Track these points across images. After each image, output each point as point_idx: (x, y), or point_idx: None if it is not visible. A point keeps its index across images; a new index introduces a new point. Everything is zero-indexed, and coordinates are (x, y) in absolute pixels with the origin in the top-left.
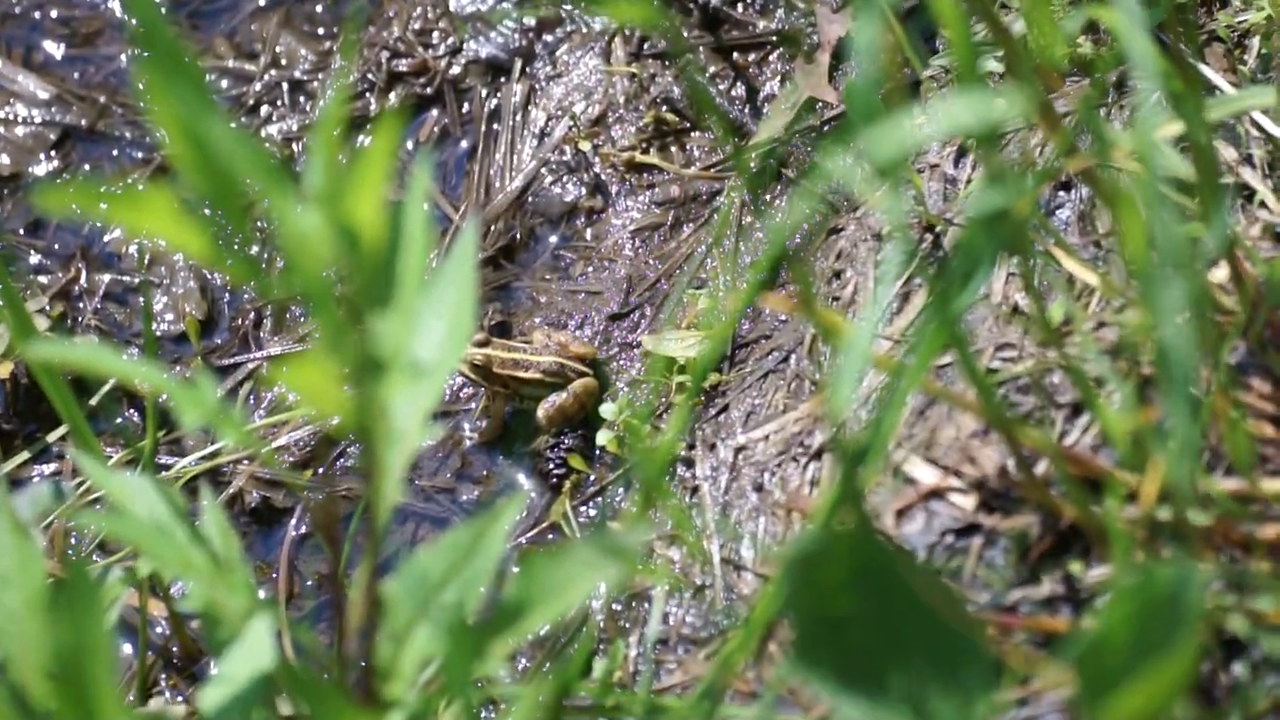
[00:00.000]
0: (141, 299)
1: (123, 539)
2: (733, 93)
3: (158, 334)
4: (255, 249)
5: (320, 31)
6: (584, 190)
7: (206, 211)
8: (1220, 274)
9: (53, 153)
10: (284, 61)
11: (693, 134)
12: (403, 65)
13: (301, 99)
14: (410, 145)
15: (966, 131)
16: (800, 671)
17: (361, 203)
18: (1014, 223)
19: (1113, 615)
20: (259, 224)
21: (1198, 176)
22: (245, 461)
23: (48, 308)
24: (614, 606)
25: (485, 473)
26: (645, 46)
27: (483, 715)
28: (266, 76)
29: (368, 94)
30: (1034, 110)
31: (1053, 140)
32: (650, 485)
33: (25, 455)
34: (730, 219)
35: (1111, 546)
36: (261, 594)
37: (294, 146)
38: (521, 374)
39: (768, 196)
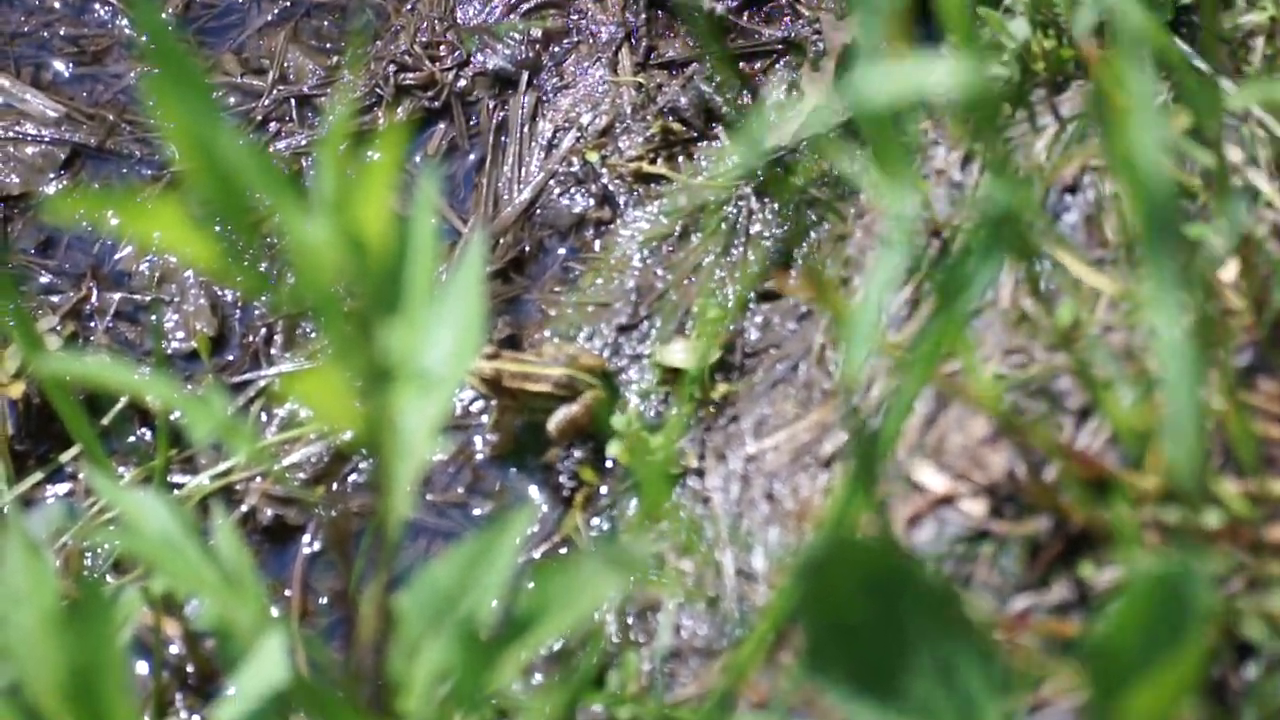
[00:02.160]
0: (152, 317)
1: (136, 556)
2: (739, 101)
3: (168, 352)
4: (265, 265)
5: (328, 46)
6: (592, 201)
7: (217, 228)
8: (1229, 274)
9: (62, 171)
10: (292, 77)
11: (700, 143)
12: (410, 78)
13: (309, 114)
14: (418, 158)
15: (960, 87)
16: (813, 678)
17: (368, 212)
18: (1018, 212)
19: (1121, 615)
20: (268, 239)
21: (1213, 169)
22: (257, 479)
23: (59, 327)
24: (627, 619)
25: (497, 487)
26: (652, 56)
27: None
28: (274, 92)
29: (375, 108)
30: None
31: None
32: (650, 485)
33: (38, 476)
34: (738, 227)
35: (1119, 547)
36: (275, 612)
37: (302, 161)
38: (532, 386)
39: (775, 205)
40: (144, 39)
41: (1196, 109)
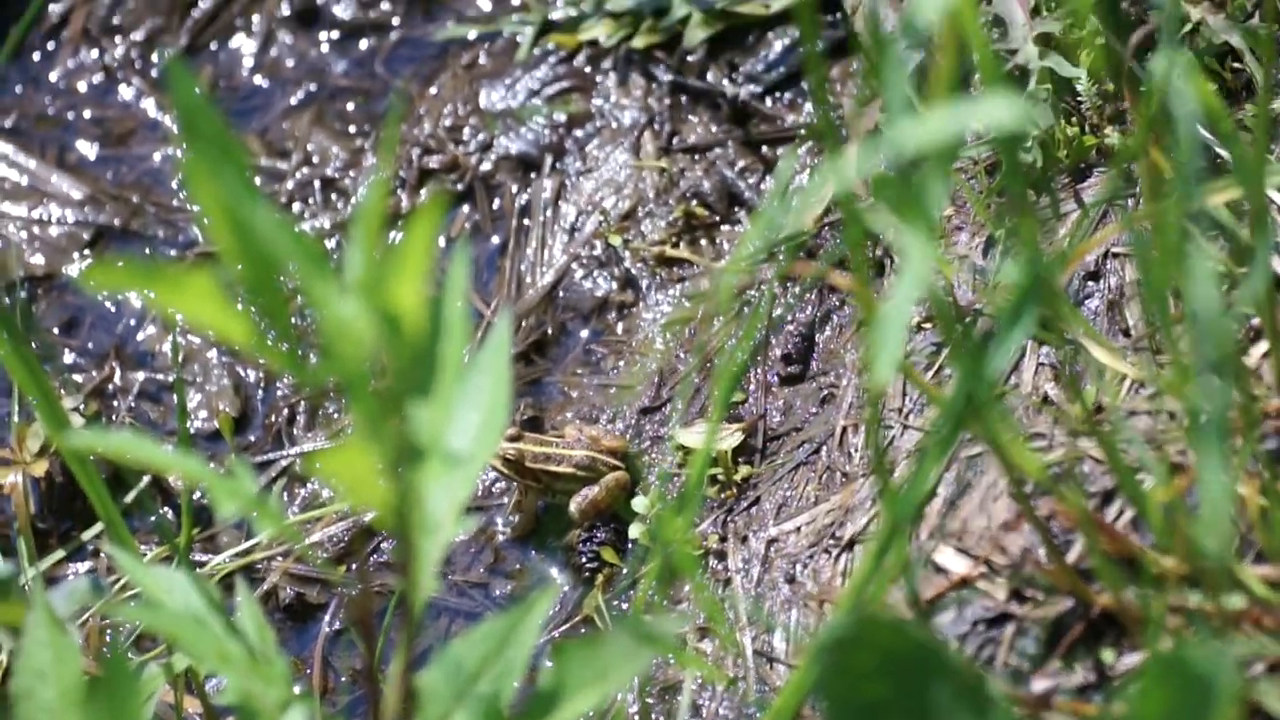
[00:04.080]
0: (175, 397)
1: (159, 632)
2: (762, 186)
3: (191, 431)
4: (293, 344)
5: (352, 129)
6: (615, 285)
7: (248, 305)
8: (1253, 358)
9: (86, 252)
10: (316, 159)
11: (722, 227)
12: (434, 162)
13: (333, 196)
14: (442, 241)
15: (997, 127)
16: None
17: (403, 290)
18: (1045, 286)
19: (1145, 698)
20: (298, 317)
21: (1251, 233)
22: (279, 558)
23: (82, 406)
24: (647, 699)
25: (518, 567)
26: (674, 141)
27: None
28: (299, 174)
29: (399, 190)
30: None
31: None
32: (670, 553)
33: (61, 553)
34: (760, 311)
35: (1145, 627)
36: (296, 689)
37: (327, 243)
38: (554, 468)
39: (799, 289)
40: (178, 114)
41: (1245, 185)
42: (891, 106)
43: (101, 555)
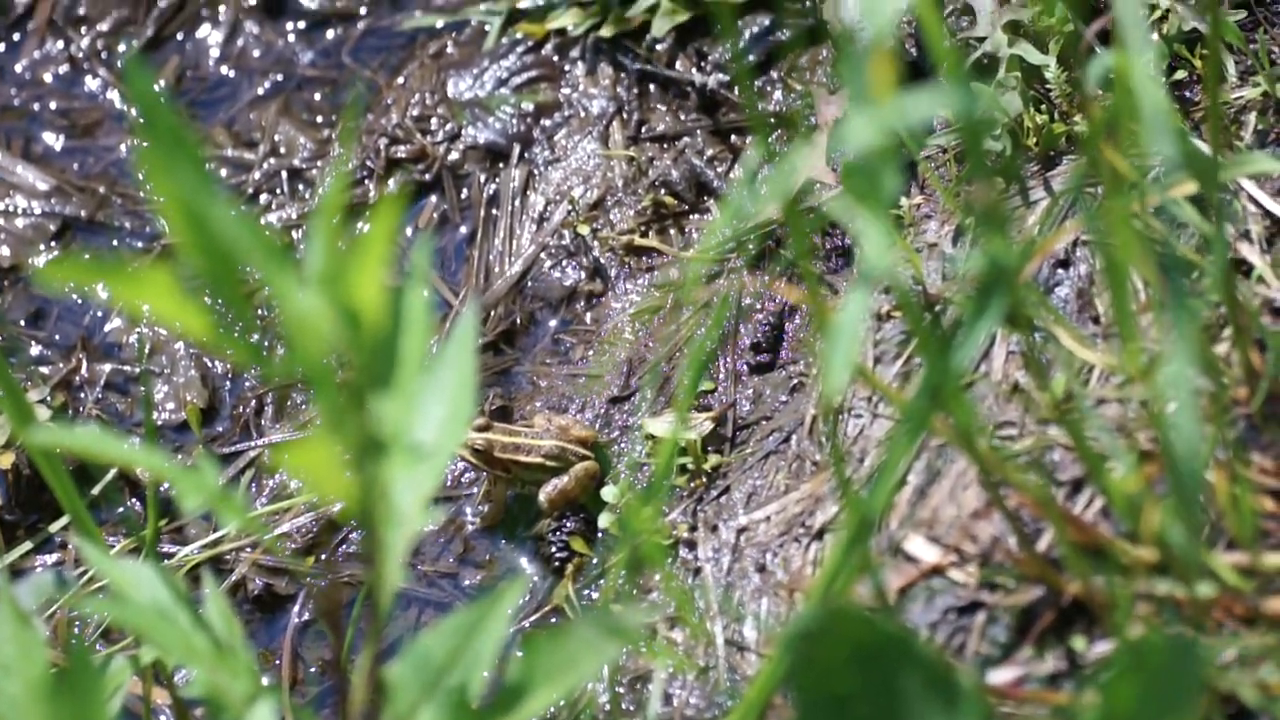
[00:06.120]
0: (142, 388)
1: (126, 626)
2: (730, 175)
3: (159, 423)
4: (256, 336)
5: (319, 120)
6: (583, 274)
7: (208, 300)
8: (1221, 348)
9: (53, 243)
10: (283, 150)
11: (691, 216)
12: (401, 152)
13: (301, 187)
14: (409, 231)
15: (953, 114)
16: None
17: (363, 284)
18: (1011, 272)
19: (1116, 686)
20: (259, 310)
21: (1208, 241)
22: (248, 549)
23: (49, 398)
24: (617, 689)
25: (487, 557)
26: (643, 130)
27: None
28: (266, 165)
29: (366, 181)
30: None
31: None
32: (640, 543)
33: (28, 545)
34: (729, 300)
35: (1114, 615)
36: (265, 681)
37: (294, 234)
38: (523, 458)
39: (765, 278)
40: (136, 111)
41: (1199, 181)
42: (855, 96)
43: (69, 547)
